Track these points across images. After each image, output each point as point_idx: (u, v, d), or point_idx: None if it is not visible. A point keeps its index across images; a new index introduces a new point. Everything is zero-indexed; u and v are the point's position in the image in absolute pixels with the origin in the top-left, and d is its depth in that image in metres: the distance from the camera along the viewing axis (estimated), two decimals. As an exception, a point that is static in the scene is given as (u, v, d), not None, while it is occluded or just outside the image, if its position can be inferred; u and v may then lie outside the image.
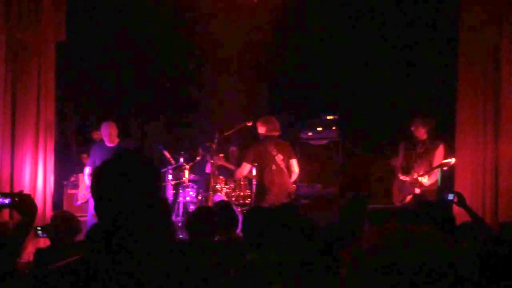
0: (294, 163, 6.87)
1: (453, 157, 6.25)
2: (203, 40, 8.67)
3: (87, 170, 7.31)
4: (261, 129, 6.81)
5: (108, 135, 7.18)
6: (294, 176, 6.89)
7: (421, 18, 7.70)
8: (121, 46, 8.28)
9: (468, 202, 4.56)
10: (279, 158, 6.65)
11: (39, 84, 6.59)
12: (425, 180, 6.27)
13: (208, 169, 8.19)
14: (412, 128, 6.52)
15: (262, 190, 6.71)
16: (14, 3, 6.37)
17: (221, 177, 7.61)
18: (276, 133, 6.81)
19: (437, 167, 6.29)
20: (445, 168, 6.25)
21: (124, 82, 8.43)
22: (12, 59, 6.44)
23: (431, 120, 6.50)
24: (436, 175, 6.38)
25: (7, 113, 6.39)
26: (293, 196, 6.87)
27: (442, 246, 1.18)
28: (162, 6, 8.21)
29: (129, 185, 1.78)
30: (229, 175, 7.59)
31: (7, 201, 5.64)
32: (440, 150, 6.42)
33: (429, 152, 6.45)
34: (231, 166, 7.47)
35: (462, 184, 6.29)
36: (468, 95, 6.48)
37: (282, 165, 6.68)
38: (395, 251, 1.17)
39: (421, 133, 6.47)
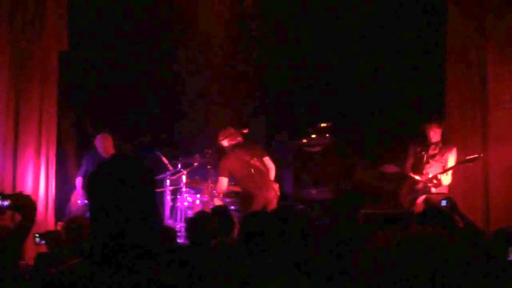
0: (268, 160, 6.91)
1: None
2: (197, 48, 8.82)
3: (78, 180, 7.32)
4: (225, 142, 6.85)
5: (102, 148, 7.24)
6: (272, 173, 6.93)
7: (411, 28, 7.88)
8: (121, 54, 8.39)
9: (460, 208, 4.71)
10: (254, 160, 6.68)
11: (42, 93, 6.70)
12: (444, 178, 6.34)
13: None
14: (429, 129, 6.57)
15: (248, 196, 6.71)
16: (18, 13, 6.49)
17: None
18: (240, 138, 6.86)
19: (462, 162, 6.28)
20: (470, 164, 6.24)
21: (122, 92, 8.49)
22: (16, 68, 6.55)
23: (444, 122, 6.63)
24: (452, 177, 6.44)
25: (9, 121, 6.48)
26: (278, 193, 6.94)
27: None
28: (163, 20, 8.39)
29: (126, 189, 1.76)
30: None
31: (6, 203, 5.73)
32: (454, 152, 6.52)
33: (442, 153, 6.53)
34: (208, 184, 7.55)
35: (454, 192, 6.43)
36: (456, 105, 6.69)
37: (260, 166, 6.71)
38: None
39: (437, 134, 6.56)
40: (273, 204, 6.76)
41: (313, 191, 8.38)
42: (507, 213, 6.05)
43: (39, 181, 6.60)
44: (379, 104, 8.15)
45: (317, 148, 8.55)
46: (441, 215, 3.33)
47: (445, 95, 6.85)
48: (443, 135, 6.62)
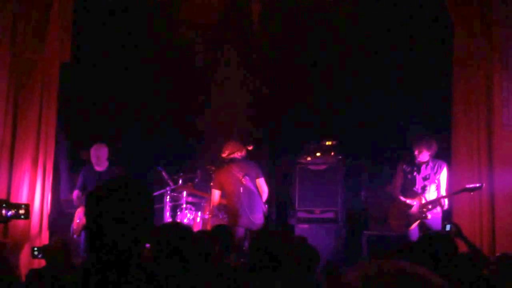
0: (262, 182, 6.85)
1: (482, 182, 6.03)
2: (205, 65, 8.80)
3: (75, 193, 7.20)
4: (224, 153, 6.83)
5: (96, 158, 7.10)
6: (264, 196, 6.88)
7: (416, 47, 7.81)
8: (123, 68, 8.36)
9: (465, 233, 4.56)
10: (246, 179, 6.61)
11: (42, 104, 6.63)
12: (434, 211, 6.16)
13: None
14: (416, 152, 6.37)
15: (233, 213, 6.67)
16: (21, 23, 6.44)
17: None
18: (239, 155, 6.80)
19: (461, 191, 6.05)
20: (471, 193, 6.03)
21: (120, 102, 8.44)
22: (16, 78, 6.48)
23: (434, 141, 6.42)
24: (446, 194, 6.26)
25: (7, 131, 6.39)
26: (266, 214, 6.86)
27: None
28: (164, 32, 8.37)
29: (123, 211, 1.79)
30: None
31: (10, 212, 5.68)
32: (445, 169, 6.35)
33: (435, 172, 6.35)
34: (202, 194, 7.48)
35: (460, 216, 6.26)
36: (463, 128, 6.55)
37: (251, 186, 6.64)
38: None
39: (425, 156, 6.35)
40: (259, 225, 6.64)
41: (317, 211, 8.21)
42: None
43: (34, 193, 6.49)
44: (386, 122, 8.06)
45: (322, 167, 8.41)
46: (442, 241, 3.16)
47: (451, 115, 6.71)
48: (433, 155, 6.41)
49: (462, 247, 4.42)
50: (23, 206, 5.61)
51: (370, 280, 1.16)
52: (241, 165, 6.74)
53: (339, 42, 8.24)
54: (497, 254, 3.91)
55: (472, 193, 6.03)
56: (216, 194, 6.80)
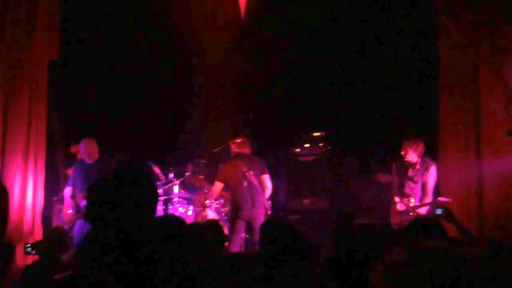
0: (266, 178, 6.97)
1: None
2: (190, 60, 8.81)
3: (67, 190, 7.19)
4: (232, 147, 6.99)
5: (87, 152, 7.10)
6: (268, 192, 6.97)
7: (403, 38, 7.90)
8: (111, 64, 8.36)
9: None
10: (250, 174, 6.74)
11: (31, 101, 6.60)
12: (422, 210, 6.31)
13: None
14: (402, 153, 6.47)
15: (235, 207, 6.81)
16: (8, 22, 6.41)
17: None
18: (247, 150, 6.96)
19: (430, 204, 6.25)
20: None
21: (111, 99, 8.45)
22: (5, 76, 6.44)
23: (421, 142, 6.48)
24: (431, 199, 6.38)
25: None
26: (269, 212, 6.93)
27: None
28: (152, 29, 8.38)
29: (126, 199, 1.80)
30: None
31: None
32: (432, 171, 6.44)
33: (421, 174, 6.46)
34: (208, 186, 7.57)
35: (447, 204, 6.36)
36: (450, 117, 6.56)
37: (255, 181, 6.76)
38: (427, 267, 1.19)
39: (412, 157, 6.45)
40: (260, 220, 6.70)
41: (307, 201, 8.30)
42: (501, 220, 5.99)
43: (26, 190, 6.48)
44: (373, 113, 8.14)
45: (311, 158, 8.49)
46: (431, 225, 3.23)
47: (438, 105, 6.78)
48: (420, 155, 6.49)
49: (453, 231, 4.51)
50: None
51: (417, 259, 1.20)
52: (247, 160, 6.86)
53: (331, 34, 8.30)
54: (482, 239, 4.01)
55: (465, 174, 6.19)
56: (218, 186, 6.94)
